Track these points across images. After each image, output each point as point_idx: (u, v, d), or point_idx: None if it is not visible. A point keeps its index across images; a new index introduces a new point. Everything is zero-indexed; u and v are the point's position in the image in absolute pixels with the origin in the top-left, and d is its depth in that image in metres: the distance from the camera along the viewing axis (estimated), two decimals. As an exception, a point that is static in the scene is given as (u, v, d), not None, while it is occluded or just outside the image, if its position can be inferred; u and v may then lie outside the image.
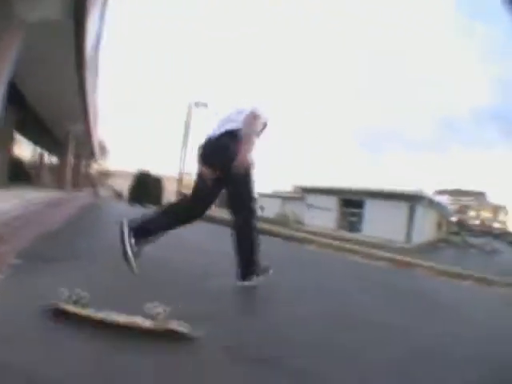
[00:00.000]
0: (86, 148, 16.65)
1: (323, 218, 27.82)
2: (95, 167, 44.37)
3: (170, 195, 53.49)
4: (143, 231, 2.49)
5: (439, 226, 32.00)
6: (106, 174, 50.44)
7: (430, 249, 22.76)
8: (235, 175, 2.38)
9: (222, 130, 2.49)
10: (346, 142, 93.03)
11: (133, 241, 2.37)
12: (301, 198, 32.07)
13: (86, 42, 4.86)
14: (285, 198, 36.10)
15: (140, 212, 3.53)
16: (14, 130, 8.39)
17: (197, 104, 20.68)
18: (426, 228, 25.35)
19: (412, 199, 23.28)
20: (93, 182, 44.54)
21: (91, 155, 20.87)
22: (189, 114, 20.66)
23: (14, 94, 6.94)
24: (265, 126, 2.64)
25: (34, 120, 9.54)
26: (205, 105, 20.66)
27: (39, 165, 11.70)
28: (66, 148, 10.85)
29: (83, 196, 10.51)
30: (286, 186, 35.89)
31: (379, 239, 21.50)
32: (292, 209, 33.00)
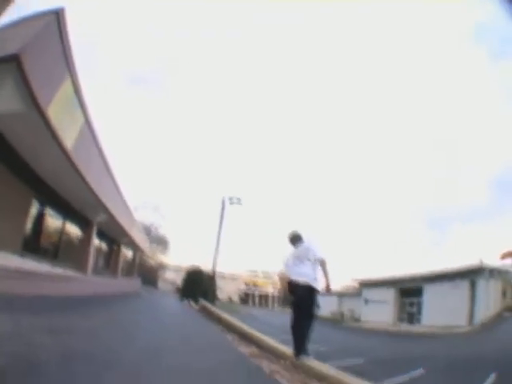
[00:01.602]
0: (122, 237, 18.36)
1: (381, 311, 26.96)
2: (151, 259, 46.95)
3: (227, 293, 54.40)
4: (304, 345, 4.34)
5: (504, 293, 29.00)
6: (163, 267, 52.74)
7: (493, 325, 20.44)
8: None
9: (298, 276, 4.52)
10: (397, 223, 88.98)
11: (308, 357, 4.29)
12: (357, 294, 31.54)
13: (55, 130, 6.05)
14: (341, 295, 35.52)
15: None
16: (37, 205, 9.85)
17: (231, 200, 21.70)
18: (490, 301, 23.11)
19: (471, 274, 22.02)
20: (152, 273, 47.10)
21: (135, 246, 22.56)
22: (222, 210, 21.70)
23: (26, 171, 8.44)
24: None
25: (62, 202, 11.00)
26: (238, 200, 21.71)
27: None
28: (90, 231, 12.34)
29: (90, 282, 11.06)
30: (344, 280, 35.29)
31: (438, 328, 20.30)
32: (350, 305, 32.43)
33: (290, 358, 4.45)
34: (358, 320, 29.13)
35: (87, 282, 11.11)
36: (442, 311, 21.59)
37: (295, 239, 4.91)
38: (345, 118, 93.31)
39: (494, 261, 25.72)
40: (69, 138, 6.82)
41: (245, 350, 5.47)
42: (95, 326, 5.63)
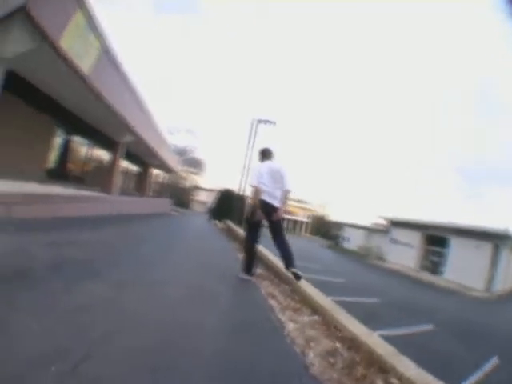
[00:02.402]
0: (152, 159, 19.05)
1: (406, 254, 27.13)
2: (185, 181, 48.63)
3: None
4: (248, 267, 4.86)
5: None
6: (197, 189, 54.58)
7: (507, 299, 20.19)
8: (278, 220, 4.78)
9: (274, 197, 4.76)
10: (440, 174, 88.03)
11: (246, 276, 4.81)
12: (385, 231, 31.48)
13: (71, 58, 6.25)
14: (370, 230, 35.56)
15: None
16: (61, 133, 10.59)
17: (263, 121, 21.67)
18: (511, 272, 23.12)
19: (496, 238, 21.22)
20: (185, 194, 49.06)
21: (166, 167, 23.26)
22: (253, 131, 21.83)
23: (46, 103, 8.99)
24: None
25: (87, 127, 11.66)
26: (271, 123, 21.57)
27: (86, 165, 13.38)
28: (116, 153, 12.84)
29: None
30: (377, 218, 35.21)
31: (456, 285, 20.30)
32: (377, 242, 32.44)
33: (293, 284, 4.52)
34: (382, 259, 29.42)
35: (112, 202, 11.51)
36: (464, 268, 21.39)
37: (268, 155, 5.10)
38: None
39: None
40: (85, 65, 6.99)
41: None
42: (102, 238, 5.95)
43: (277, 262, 5.81)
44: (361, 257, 30.68)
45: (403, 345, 2.69)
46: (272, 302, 3.76)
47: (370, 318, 3.42)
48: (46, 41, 5.52)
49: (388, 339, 2.84)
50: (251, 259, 4.94)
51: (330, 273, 11.93)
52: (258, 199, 4.75)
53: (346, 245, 38.58)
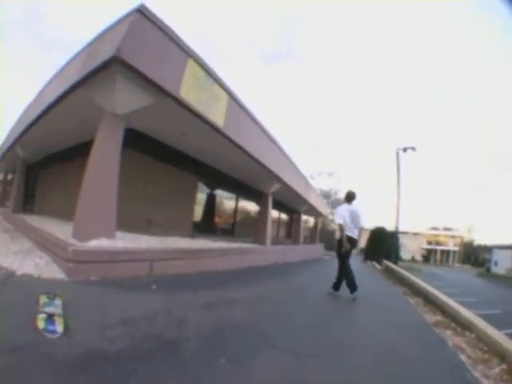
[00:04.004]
0: (301, 205, 18.36)
1: None
2: (334, 224, 46.78)
3: (410, 252, 51.35)
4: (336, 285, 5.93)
5: None
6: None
7: None
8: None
9: (353, 232, 5.84)
10: None
11: (333, 290, 5.93)
12: None
13: (199, 111, 5.80)
14: None
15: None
16: (204, 188, 10.83)
17: (405, 149, 19.84)
18: None
19: None
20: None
21: (315, 212, 22.50)
22: (398, 162, 19.90)
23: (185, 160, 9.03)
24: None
25: (232, 181, 11.60)
26: (413, 148, 19.68)
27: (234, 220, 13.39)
28: (265, 203, 12.10)
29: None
30: None
31: None
32: None
33: (477, 331, 3.97)
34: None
35: (266, 253, 10.83)
36: None
37: (352, 198, 6.02)
38: None
39: None
40: (218, 117, 6.54)
41: (430, 317, 5.15)
42: (260, 294, 5.36)
43: (455, 305, 5.27)
44: (508, 281, 26.06)
45: None
46: (462, 357, 3.21)
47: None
48: (165, 94, 5.09)
49: None
50: (341, 280, 5.90)
51: (485, 305, 10.38)
52: (345, 234, 5.66)
53: (494, 269, 34.53)
